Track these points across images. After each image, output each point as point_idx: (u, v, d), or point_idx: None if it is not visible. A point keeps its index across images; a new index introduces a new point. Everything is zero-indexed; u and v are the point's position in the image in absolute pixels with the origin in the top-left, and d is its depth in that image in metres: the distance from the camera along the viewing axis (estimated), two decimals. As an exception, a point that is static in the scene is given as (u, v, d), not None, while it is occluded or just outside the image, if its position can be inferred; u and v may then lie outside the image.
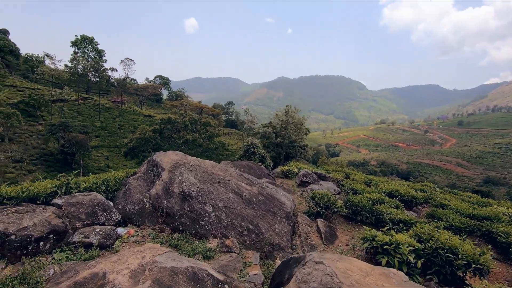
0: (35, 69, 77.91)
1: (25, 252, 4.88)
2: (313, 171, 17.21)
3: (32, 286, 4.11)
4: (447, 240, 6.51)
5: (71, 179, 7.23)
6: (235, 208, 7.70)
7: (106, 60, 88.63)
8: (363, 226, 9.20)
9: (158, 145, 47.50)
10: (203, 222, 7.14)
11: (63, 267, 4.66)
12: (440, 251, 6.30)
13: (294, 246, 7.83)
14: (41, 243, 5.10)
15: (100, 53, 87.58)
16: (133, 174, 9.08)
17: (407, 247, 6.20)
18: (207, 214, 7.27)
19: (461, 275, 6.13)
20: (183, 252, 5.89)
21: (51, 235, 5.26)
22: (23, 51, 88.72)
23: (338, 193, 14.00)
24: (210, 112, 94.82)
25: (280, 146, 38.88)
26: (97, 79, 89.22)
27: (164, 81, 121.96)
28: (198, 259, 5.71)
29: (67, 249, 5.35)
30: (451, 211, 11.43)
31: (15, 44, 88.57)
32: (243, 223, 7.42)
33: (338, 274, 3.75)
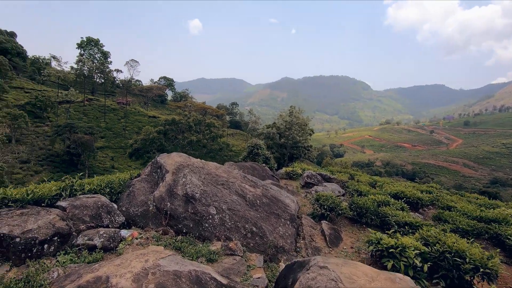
0: (41, 71, 78.97)
1: (29, 254, 4.90)
2: (318, 172, 17.11)
3: (36, 289, 4.12)
4: (454, 243, 6.39)
5: (76, 181, 7.26)
6: (239, 211, 7.67)
7: (111, 62, 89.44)
8: (368, 228, 9.11)
9: (163, 146, 47.74)
10: (206, 225, 7.12)
11: (67, 270, 4.67)
12: (447, 254, 6.19)
13: (298, 249, 7.77)
14: (46, 245, 5.11)
15: (106, 55, 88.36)
16: (137, 176, 9.10)
17: (413, 250, 6.09)
18: (210, 217, 7.25)
19: (469, 279, 6.01)
20: (187, 255, 5.87)
21: (55, 238, 5.28)
22: (24, 50, 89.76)
23: (343, 195, 13.89)
24: (214, 113, 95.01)
25: (284, 146, 38.80)
26: (103, 80, 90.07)
27: (169, 82, 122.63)
28: (201, 262, 5.68)
29: (71, 251, 5.36)
30: (458, 213, 11.25)
31: (22, 46, 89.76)
32: (246, 226, 7.38)
33: (343, 279, 3.70)
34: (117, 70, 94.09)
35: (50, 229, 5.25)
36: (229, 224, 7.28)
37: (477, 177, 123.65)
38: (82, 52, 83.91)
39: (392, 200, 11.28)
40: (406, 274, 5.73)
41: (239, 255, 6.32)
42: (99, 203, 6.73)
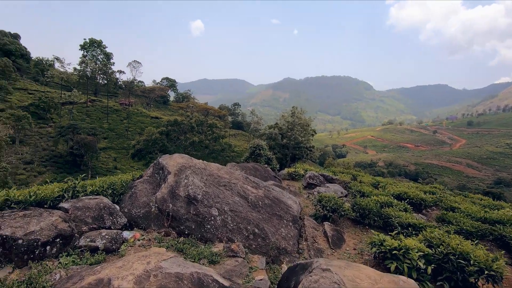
0: (45, 72, 79.48)
1: (32, 256, 4.91)
2: (320, 173, 17.05)
3: (39, 291, 4.13)
4: (458, 245, 6.34)
5: (78, 183, 7.28)
6: (241, 212, 7.65)
7: (114, 63, 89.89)
8: (371, 230, 9.05)
9: (165, 147, 47.85)
10: (208, 226, 7.11)
11: (69, 272, 4.67)
12: (451, 256, 6.13)
13: (300, 250, 7.73)
14: (48, 247, 5.12)
15: (108, 56, 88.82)
16: (139, 177, 9.11)
17: (417, 252, 6.05)
18: (212, 218, 7.23)
19: (474, 281, 5.95)
20: (189, 257, 5.86)
21: (58, 239, 5.29)
22: (28, 52, 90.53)
23: (345, 196, 13.83)
24: (216, 113, 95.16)
25: (286, 147, 38.74)
26: (105, 81, 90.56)
27: (171, 83, 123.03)
28: (203, 264, 5.67)
29: (73, 253, 5.37)
30: (461, 214, 11.16)
31: (25, 48, 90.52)
32: (249, 227, 7.36)
33: (346, 282, 3.66)
34: (120, 71, 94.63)
35: (52, 230, 5.26)
36: (231, 225, 7.26)
37: (481, 177, 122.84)
38: (85, 53, 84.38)
39: (395, 201, 11.22)
40: (410, 276, 5.68)
41: (241, 257, 6.30)
42: (101, 204, 6.73)
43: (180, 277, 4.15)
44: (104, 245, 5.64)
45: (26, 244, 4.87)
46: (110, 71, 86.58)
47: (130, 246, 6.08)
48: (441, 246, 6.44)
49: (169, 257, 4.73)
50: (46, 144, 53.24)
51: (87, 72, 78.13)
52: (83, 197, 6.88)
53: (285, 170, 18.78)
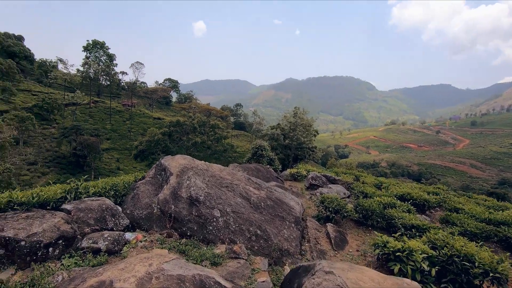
0: (48, 74, 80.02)
1: (34, 258, 4.91)
2: (322, 173, 17.01)
3: (41, 293, 4.13)
4: (462, 247, 6.27)
5: (81, 184, 7.29)
6: (243, 213, 7.62)
7: (116, 64, 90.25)
8: (374, 231, 9.00)
9: (168, 148, 47.99)
10: (211, 227, 7.09)
11: (72, 274, 4.67)
12: (456, 258, 6.07)
13: (303, 252, 7.69)
14: (50, 249, 5.12)
15: (111, 57, 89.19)
16: (141, 178, 9.12)
17: (421, 254, 5.99)
18: (215, 219, 7.21)
19: (478, 284, 5.89)
20: (191, 258, 5.84)
21: (60, 241, 5.29)
22: (32, 54, 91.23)
23: (348, 197, 13.77)
24: (219, 114, 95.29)
25: (288, 148, 38.69)
26: (108, 82, 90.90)
27: (173, 84, 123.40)
28: (205, 266, 5.65)
29: (75, 254, 5.36)
30: (466, 215, 11.07)
31: (29, 50, 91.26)
32: (251, 228, 7.33)
33: (349, 285, 3.63)
34: (123, 73, 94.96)
35: (55, 232, 5.26)
36: (233, 227, 7.24)
37: (485, 178, 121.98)
38: (88, 54, 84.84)
39: (398, 202, 11.15)
40: (414, 278, 5.64)
41: (243, 259, 6.27)
42: (104, 206, 6.74)
43: (182, 279, 4.14)
44: (106, 247, 5.64)
45: (29, 245, 4.88)
46: (113, 72, 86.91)
47: (132, 247, 6.07)
48: (445, 248, 6.38)
49: (171, 259, 4.72)
50: (49, 145, 53.58)
51: (90, 74, 78.54)
52: (86, 199, 6.89)
53: (288, 171, 18.75)
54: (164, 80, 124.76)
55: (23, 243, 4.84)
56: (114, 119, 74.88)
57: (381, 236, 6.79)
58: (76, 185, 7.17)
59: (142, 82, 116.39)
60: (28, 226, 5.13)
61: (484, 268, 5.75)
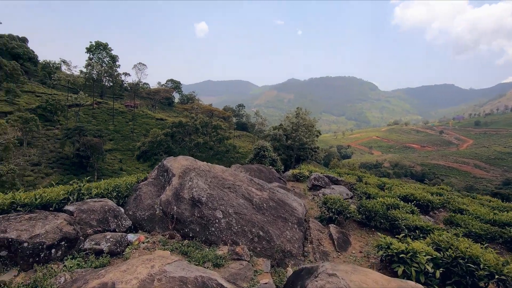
0: (52, 75, 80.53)
1: (37, 259, 4.92)
2: (325, 174, 16.93)
3: (43, 295, 4.13)
4: (467, 248, 6.20)
5: (83, 185, 7.30)
6: (246, 214, 7.60)
7: (119, 65, 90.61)
8: (377, 232, 8.93)
9: (170, 148, 48.09)
10: (213, 229, 7.07)
11: (74, 275, 4.67)
12: (460, 260, 6.00)
13: (306, 253, 7.65)
14: (53, 250, 5.13)
15: (114, 59, 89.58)
16: (144, 179, 9.12)
17: (425, 255, 5.92)
18: (217, 221, 7.20)
19: (483, 286, 5.81)
20: (193, 260, 5.82)
21: (63, 242, 5.30)
22: (35, 55, 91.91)
23: (351, 197, 13.70)
24: (221, 115, 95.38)
25: (291, 148, 38.61)
26: (111, 84, 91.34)
27: (176, 85, 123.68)
28: (208, 267, 5.63)
29: (78, 256, 5.37)
30: (470, 216, 10.97)
31: (33, 51, 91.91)
32: (253, 230, 7.31)
33: (353, 288, 3.59)
34: (125, 74, 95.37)
35: (57, 233, 5.27)
36: (236, 228, 7.22)
37: (489, 178, 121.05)
38: (91, 56, 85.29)
39: (402, 203, 11.07)
40: (418, 280, 5.58)
41: (245, 260, 6.24)
42: (106, 207, 6.74)
43: (184, 281, 4.12)
44: (109, 248, 5.64)
45: (32, 247, 4.89)
46: (115, 73, 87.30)
47: (135, 249, 6.06)
48: (449, 250, 6.31)
49: (173, 260, 4.70)
50: (53, 146, 53.88)
51: (93, 75, 78.95)
52: (88, 200, 6.90)
53: (290, 172, 18.70)
54: (167, 81, 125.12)
55: (26, 244, 4.86)
56: (117, 120, 75.19)
57: (384, 238, 6.74)
58: (79, 186, 7.19)
59: (144, 83, 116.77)
60: (31, 228, 5.15)
61: (490, 270, 5.68)
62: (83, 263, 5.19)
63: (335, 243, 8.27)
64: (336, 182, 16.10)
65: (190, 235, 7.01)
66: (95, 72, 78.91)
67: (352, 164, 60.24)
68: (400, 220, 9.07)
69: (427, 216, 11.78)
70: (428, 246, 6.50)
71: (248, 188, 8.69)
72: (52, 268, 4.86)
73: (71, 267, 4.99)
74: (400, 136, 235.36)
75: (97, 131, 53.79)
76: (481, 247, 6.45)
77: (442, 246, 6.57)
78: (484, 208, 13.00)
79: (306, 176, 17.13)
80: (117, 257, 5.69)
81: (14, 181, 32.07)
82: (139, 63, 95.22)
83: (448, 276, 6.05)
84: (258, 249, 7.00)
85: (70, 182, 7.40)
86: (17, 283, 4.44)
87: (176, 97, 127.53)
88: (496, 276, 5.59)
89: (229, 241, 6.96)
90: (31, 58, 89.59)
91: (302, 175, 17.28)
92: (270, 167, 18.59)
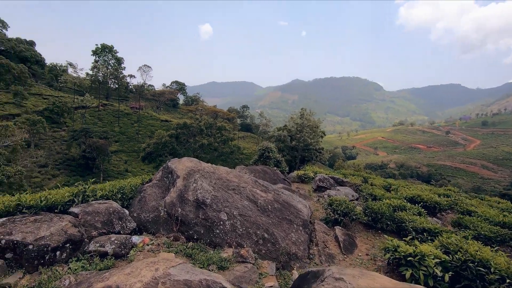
0: (58, 78, 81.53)
1: (42, 261, 4.92)
2: (330, 175, 16.80)
3: (48, 297, 4.12)
4: (477, 251, 6.06)
5: (88, 187, 7.32)
6: (250, 216, 7.54)
7: (124, 68, 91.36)
8: (384, 234, 8.81)
9: (175, 150, 48.28)
10: (217, 231, 7.02)
11: (78, 278, 4.66)
12: (470, 264, 5.86)
13: (311, 256, 7.56)
14: (58, 252, 5.13)
15: (119, 61, 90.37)
16: (148, 181, 9.12)
17: (433, 259, 5.80)
18: (221, 223, 7.15)
19: (494, 290, 5.67)
20: (198, 262, 5.78)
21: (68, 245, 5.30)
22: (43, 58, 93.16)
23: (357, 199, 13.56)
24: (225, 116, 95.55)
25: (295, 149, 38.49)
26: (117, 86, 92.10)
27: (180, 86, 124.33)
28: (212, 270, 5.58)
29: (83, 258, 5.37)
30: (479, 218, 10.75)
31: (40, 54, 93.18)
32: (258, 232, 7.24)
33: (360, 293, 3.51)
34: (131, 76, 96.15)
35: (62, 236, 5.27)
36: (240, 230, 7.16)
37: (497, 179, 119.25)
38: (97, 58, 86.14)
39: (409, 204, 10.89)
40: (426, 284, 5.46)
41: (250, 263, 6.18)
42: (111, 209, 6.74)
43: (189, 284, 4.08)
44: (113, 250, 5.63)
45: (37, 249, 4.89)
46: (121, 75, 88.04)
47: (139, 251, 6.04)
48: (458, 253, 6.17)
49: (177, 263, 4.67)
50: (59, 148, 54.47)
51: (99, 77, 79.70)
52: (93, 202, 6.91)
53: (295, 173, 18.60)
54: (171, 82, 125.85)
55: (31, 246, 4.86)
56: (122, 121, 75.77)
57: (391, 240, 6.62)
58: (84, 188, 7.21)
59: (149, 85, 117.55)
60: (36, 230, 5.16)
61: (501, 274, 5.53)
62: (88, 265, 5.18)
63: (341, 245, 8.16)
64: (341, 183, 15.96)
65: (195, 237, 6.97)
66: (101, 74, 79.63)
67: (357, 165, 59.81)
68: (407, 222, 8.92)
69: (434, 218, 11.58)
70: (436, 249, 6.37)
71: (252, 189, 8.63)
72: (57, 271, 4.85)
73: (75, 269, 4.98)
74: (406, 136, 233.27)
75: (103, 133, 54.27)
76: (491, 250, 6.31)
77: (451, 249, 6.43)
78: (493, 210, 12.74)
79: (311, 177, 17.01)
80: (122, 259, 5.67)
81: (21, 182, 32.43)
82: (144, 65, 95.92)
83: (457, 280, 5.91)
84: (263, 251, 6.93)
85: (75, 184, 7.42)
86: (22, 286, 4.44)
87: (181, 98, 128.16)
88: (508, 280, 5.44)
89: (234, 243, 6.90)
90: (38, 61, 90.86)
91: (307, 176, 17.17)
92: (275, 168, 18.51)
